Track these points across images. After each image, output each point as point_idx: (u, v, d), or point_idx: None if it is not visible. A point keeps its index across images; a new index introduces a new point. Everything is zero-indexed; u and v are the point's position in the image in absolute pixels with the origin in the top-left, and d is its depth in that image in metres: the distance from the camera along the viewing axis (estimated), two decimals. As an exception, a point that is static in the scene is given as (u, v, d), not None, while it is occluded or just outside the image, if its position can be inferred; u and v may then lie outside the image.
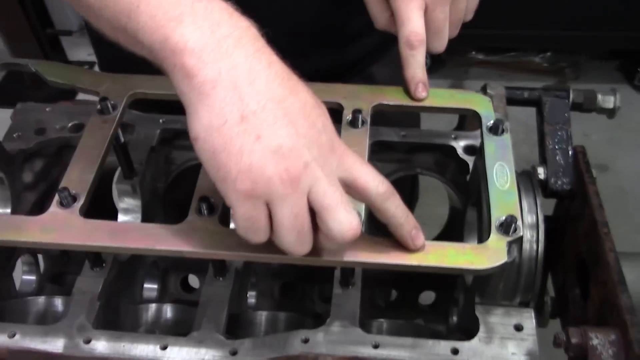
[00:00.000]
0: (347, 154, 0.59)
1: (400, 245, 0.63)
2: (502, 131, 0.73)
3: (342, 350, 0.68)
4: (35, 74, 0.82)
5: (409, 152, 0.90)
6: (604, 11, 2.57)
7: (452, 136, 0.88)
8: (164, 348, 0.69)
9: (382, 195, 0.60)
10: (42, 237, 0.64)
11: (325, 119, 0.58)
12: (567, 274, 0.87)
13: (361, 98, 0.77)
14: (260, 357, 0.68)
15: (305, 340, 0.69)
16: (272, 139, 0.53)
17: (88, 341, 0.70)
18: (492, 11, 2.62)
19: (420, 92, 0.75)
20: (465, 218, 0.83)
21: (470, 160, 0.85)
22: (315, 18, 0.93)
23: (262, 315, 0.83)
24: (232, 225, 0.64)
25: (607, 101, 0.94)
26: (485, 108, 0.76)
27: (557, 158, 0.88)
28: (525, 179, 0.74)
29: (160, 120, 0.89)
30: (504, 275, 0.69)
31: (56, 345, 0.69)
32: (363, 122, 0.74)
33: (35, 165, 0.91)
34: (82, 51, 2.97)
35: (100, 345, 0.69)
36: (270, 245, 0.59)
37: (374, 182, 0.59)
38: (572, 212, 0.87)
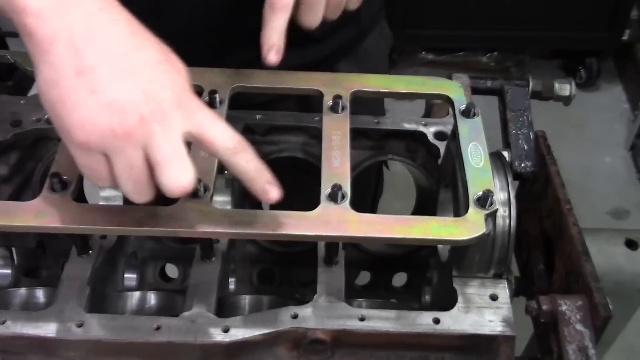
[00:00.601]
0: (197, 110, 0.60)
1: (389, 219, 0.67)
2: (474, 114, 0.78)
3: (330, 324, 0.72)
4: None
5: (381, 139, 0.94)
6: (547, 12, 2.70)
7: (422, 123, 0.92)
8: (158, 328, 0.71)
9: (231, 149, 0.61)
10: (35, 222, 0.65)
11: (173, 76, 0.59)
12: (531, 251, 0.93)
13: (340, 85, 0.80)
14: (252, 333, 0.70)
15: (295, 316, 0.72)
16: (107, 93, 0.55)
17: (80, 324, 0.71)
18: (441, 12, 2.73)
19: (271, 56, 0.72)
20: (438, 199, 0.87)
21: (440, 145, 0.90)
22: None
23: (246, 299, 0.85)
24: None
25: (564, 89, 1.01)
26: (457, 93, 0.81)
27: (520, 142, 0.93)
28: (495, 159, 0.79)
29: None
30: (480, 248, 0.74)
31: (48, 329, 0.70)
32: (343, 108, 0.78)
33: (10, 158, 0.91)
34: (29, 53, 2.91)
35: (93, 328, 0.70)
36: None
37: (222, 137, 0.60)
38: (535, 192, 0.93)
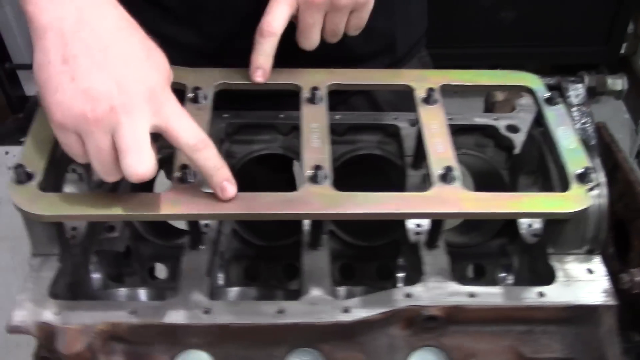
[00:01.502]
0: (166, 106, 0.65)
1: (500, 196, 0.71)
2: (556, 102, 0.83)
3: (442, 301, 0.75)
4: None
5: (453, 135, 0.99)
6: (546, 28, 2.80)
7: (493, 118, 0.98)
8: (281, 312, 0.74)
9: (192, 146, 0.67)
10: (174, 210, 0.69)
11: (149, 71, 0.65)
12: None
13: (429, 80, 0.85)
14: (371, 312, 0.74)
15: (408, 295, 0.76)
16: (84, 81, 0.62)
17: (207, 311, 0.74)
18: (444, 32, 2.82)
19: (256, 76, 0.82)
20: (517, 185, 0.92)
21: (513, 137, 0.95)
22: None
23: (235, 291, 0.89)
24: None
25: (616, 84, 1.08)
26: (537, 84, 0.86)
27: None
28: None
29: (224, 115, 0.95)
30: (575, 225, 0.78)
31: (178, 316, 0.73)
32: (436, 100, 0.83)
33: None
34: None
35: (219, 314, 0.73)
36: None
37: (186, 133, 0.66)
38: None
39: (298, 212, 0.69)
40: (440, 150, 0.77)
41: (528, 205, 0.72)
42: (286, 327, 0.74)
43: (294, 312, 0.74)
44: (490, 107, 1.08)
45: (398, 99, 1.10)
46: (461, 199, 0.71)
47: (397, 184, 0.96)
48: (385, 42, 1.07)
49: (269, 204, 0.70)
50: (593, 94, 1.08)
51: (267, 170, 1.07)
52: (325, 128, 0.78)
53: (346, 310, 0.74)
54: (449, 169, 0.73)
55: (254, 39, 0.80)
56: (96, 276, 0.96)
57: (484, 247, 1.02)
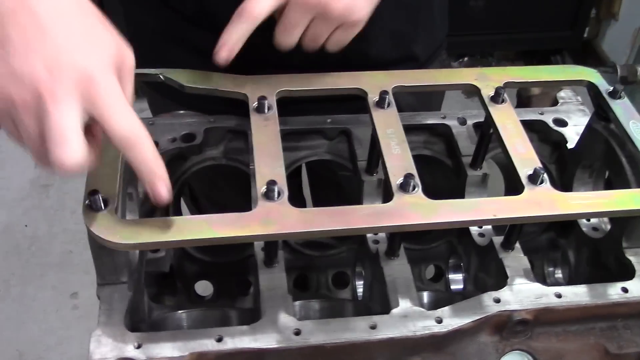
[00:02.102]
0: (101, 95, 0.60)
1: (591, 196, 0.70)
2: (620, 96, 0.83)
3: (531, 304, 0.74)
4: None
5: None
6: (513, 16, 2.84)
7: (539, 112, 0.97)
8: (374, 327, 0.71)
9: (124, 140, 0.61)
10: (266, 230, 0.65)
11: (91, 56, 0.60)
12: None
13: (491, 78, 0.83)
14: (464, 321, 0.72)
15: (497, 300, 0.74)
16: (14, 64, 0.58)
17: (297, 332, 0.70)
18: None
19: (221, 52, 0.75)
20: (574, 179, 0.92)
21: (563, 131, 0.94)
22: None
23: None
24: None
25: (647, 73, 1.08)
26: (597, 78, 0.86)
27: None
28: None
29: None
30: (652, 218, 0.79)
31: (268, 341, 0.69)
32: (503, 100, 0.81)
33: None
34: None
35: (311, 334, 0.70)
36: None
37: (118, 125, 0.60)
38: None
39: (399, 224, 0.67)
40: (522, 150, 0.75)
41: (623, 202, 0.71)
42: (380, 343, 0.71)
43: (387, 326, 0.71)
44: (525, 102, 1.07)
45: (417, 102, 1.08)
46: (555, 200, 0.70)
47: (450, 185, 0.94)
48: (409, 48, 1.06)
49: (365, 217, 0.67)
50: (625, 83, 1.08)
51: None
52: (401, 134, 0.76)
53: (439, 321, 0.72)
54: (538, 170, 0.71)
55: (231, 19, 0.74)
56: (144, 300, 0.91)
57: (534, 242, 1.02)
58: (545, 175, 0.72)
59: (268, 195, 0.67)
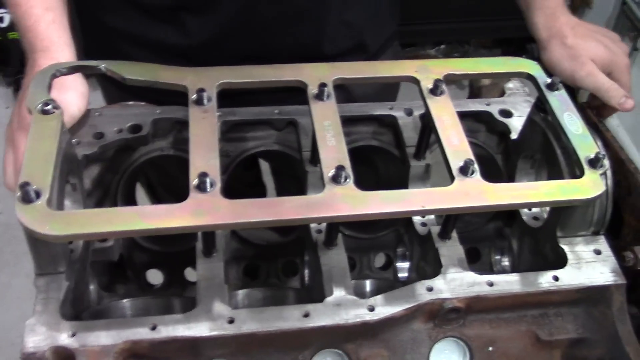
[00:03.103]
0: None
1: (519, 187, 0.72)
2: (557, 88, 0.85)
3: (463, 292, 0.76)
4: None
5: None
6: (488, 3, 2.84)
7: (485, 103, 0.98)
8: (307, 315, 0.73)
9: None
10: (196, 221, 0.66)
11: None
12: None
13: (432, 71, 0.84)
14: (396, 309, 0.74)
15: (430, 289, 0.76)
16: None
17: (231, 321, 0.71)
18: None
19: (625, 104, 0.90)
20: (516, 169, 0.94)
21: (508, 121, 0.96)
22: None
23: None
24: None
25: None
26: (537, 70, 0.87)
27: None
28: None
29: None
30: (583, 208, 0.80)
31: (202, 329, 0.70)
32: (442, 92, 0.82)
33: (92, 171, 0.89)
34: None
35: (244, 322, 0.71)
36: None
37: None
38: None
39: (328, 215, 0.68)
40: (456, 142, 0.76)
41: (548, 193, 0.72)
42: (313, 331, 0.73)
43: (320, 315, 0.73)
44: (476, 92, 1.08)
45: (374, 93, 1.09)
46: (483, 192, 0.71)
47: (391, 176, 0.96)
48: (360, 37, 1.07)
49: (295, 208, 0.68)
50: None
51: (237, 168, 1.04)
52: (338, 126, 0.77)
53: (372, 309, 0.74)
54: (468, 162, 0.73)
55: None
56: (91, 288, 0.92)
57: (481, 231, 1.03)
58: (476, 167, 0.73)
59: (200, 187, 0.68)
